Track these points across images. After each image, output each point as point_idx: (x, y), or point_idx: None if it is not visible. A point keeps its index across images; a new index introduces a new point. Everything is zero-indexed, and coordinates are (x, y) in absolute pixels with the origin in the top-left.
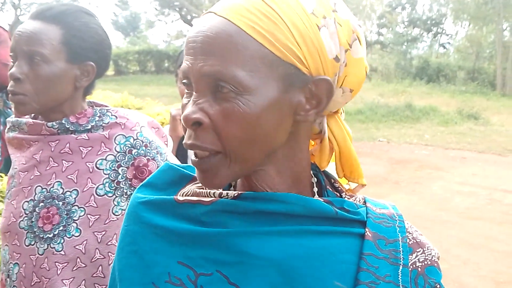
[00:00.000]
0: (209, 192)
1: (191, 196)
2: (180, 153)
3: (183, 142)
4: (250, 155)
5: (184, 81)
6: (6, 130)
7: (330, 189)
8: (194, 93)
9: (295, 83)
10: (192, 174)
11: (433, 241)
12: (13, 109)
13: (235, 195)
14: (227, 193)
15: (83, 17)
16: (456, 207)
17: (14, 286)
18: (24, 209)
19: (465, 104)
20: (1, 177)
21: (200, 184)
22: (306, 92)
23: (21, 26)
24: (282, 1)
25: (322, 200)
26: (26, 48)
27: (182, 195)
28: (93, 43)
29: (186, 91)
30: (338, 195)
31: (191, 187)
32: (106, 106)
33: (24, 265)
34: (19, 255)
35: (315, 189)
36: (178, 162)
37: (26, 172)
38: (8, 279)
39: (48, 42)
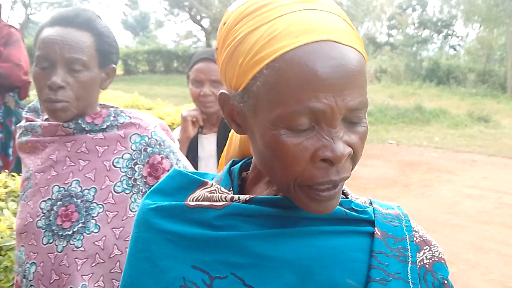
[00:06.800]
0: (221, 196)
1: (202, 200)
2: (191, 154)
3: (318, 181)
4: None
5: (301, 123)
6: (17, 136)
7: None
8: (331, 129)
9: None
10: (201, 179)
11: (442, 244)
12: (24, 109)
13: (247, 199)
14: (238, 197)
15: (102, 22)
16: (466, 211)
17: (31, 286)
18: (41, 209)
19: (475, 106)
20: (14, 176)
21: (211, 188)
22: None
23: (53, 34)
24: None
25: None
26: (68, 55)
27: (193, 200)
28: (114, 47)
29: (301, 128)
30: (344, 197)
31: (201, 192)
32: (118, 108)
33: (41, 264)
34: (36, 254)
35: None
36: (187, 162)
37: (43, 173)
38: (24, 280)
39: (87, 49)
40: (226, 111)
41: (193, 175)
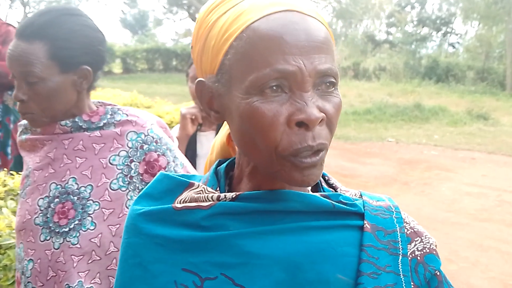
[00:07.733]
0: (207, 196)
1: (189, 202)
2: (190, 152)
3: (296, 148)
4: None
5: (275, 83)
6: (18, 134)
7: (326, 186)
8: (303, 93)
9: None
10: (187, 181)
11: (442, 242)
12: None
13: (233, 196)
14: (225, 195)
15: (66, 22)
16: (465, 209)
17: (28, 282)
18: (39, 206)
19: (474, 104)
20: (13, 175)
21: (197, 189)
22: None
23: (10, 47)
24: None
25: (319, 195)
26: (19, 69)
27: (180, 202)
28: (81, 47)
29: (273, 94)
30: (334, 191)
31: (188, 193)
32: (116, 105)
33: (39, 261)
34: (33, 251)
35: (309, 187)
36: (185, 159)
37: (41, 170)
38: (22, 276)
39: (37, 60)
40: (204, 100)
41: (180, 177)
